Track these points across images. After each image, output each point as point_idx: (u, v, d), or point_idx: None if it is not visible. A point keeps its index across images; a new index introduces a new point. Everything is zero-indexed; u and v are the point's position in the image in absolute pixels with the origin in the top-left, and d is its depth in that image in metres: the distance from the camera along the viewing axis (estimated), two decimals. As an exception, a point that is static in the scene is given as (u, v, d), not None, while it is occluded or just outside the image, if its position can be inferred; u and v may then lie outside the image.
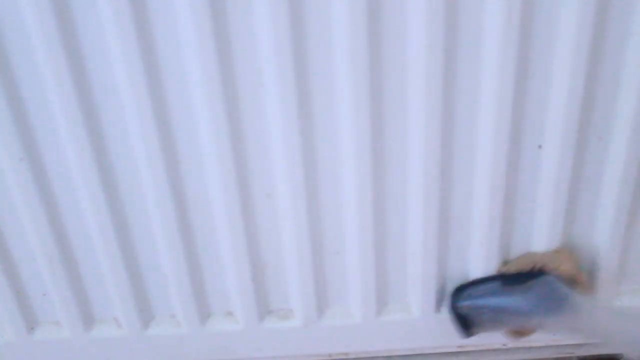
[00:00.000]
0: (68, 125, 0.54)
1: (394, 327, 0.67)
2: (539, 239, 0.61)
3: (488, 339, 0.68)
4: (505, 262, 0.63)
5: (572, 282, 0.60)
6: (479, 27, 0.51)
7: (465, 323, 0.62)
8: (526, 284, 0.60)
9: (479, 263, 0.62)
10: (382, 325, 0.66)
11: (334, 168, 0.57)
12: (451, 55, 0.52)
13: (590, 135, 0.57)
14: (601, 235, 0.62)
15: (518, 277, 0.61)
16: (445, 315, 0.66)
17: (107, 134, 0.55)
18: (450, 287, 0.64)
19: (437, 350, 0.70)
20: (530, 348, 0.71)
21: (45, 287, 0.64)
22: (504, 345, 0.70)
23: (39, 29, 0.49)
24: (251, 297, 0.64)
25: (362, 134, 0.54)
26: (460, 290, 0.63)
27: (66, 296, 0.64)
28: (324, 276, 0.64)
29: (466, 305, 0.62)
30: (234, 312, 0.66)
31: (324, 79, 0.52)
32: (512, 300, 0.60)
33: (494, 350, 0.71)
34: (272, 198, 0.59)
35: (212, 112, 0.53)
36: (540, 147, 0.57)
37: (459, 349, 0.70)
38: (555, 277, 0.60)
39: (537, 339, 0.68)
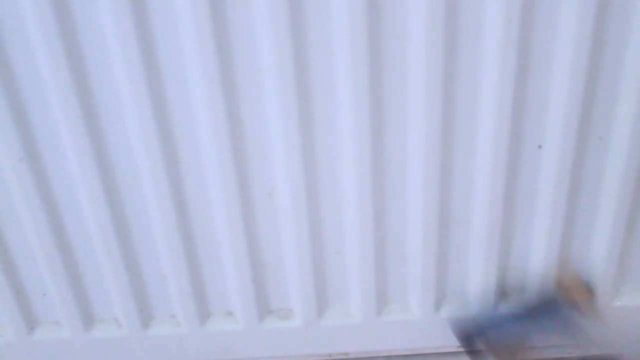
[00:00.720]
0: (68, 125, 0.54)
1: (394, 327, 0.67)
2: (538, 238, 0.61)
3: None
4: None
5: (581, 308, 0.61)
6: (479, 27, 0.51)
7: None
8: (541, 316, 0.61)
9: (479, 263, 0.62)
10: (382, 325, 0.66)
11: (334, 168, 0.57)
12: (451, 55, 0.52)
13: (590, 135, 0.57)
14: (601, 235, 0.62)
15: (533, 309, 0.62)
16: (445, 315, 0.66)
17: (107, 134, 0.55)
18: (452, 288, 0.64)
19: (437, 350, 0.70)
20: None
21: (45, 287, 0.64)
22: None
23: (39, 29, 0.49)
24: (251, 297, 0.64)
25: (362, 134, 0.54)
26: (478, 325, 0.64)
27: (66, 296, 0.64)
28: (324, 276, 0.64)
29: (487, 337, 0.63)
30: (234, 312, 0.66)
31: (324, 79, 0.52)
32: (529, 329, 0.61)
33: (494, 350, 0.71)
34: (272, 198, 0.59)
35: (212, 112, 0.53)
36: (540, 147, 0.57)
37: (459, 349, 0.70)
38: (565, 305, 0.61)
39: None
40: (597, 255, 0.63)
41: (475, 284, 0.64)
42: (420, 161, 0.56)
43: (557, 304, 0.61)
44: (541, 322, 0.61)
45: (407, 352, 0.70)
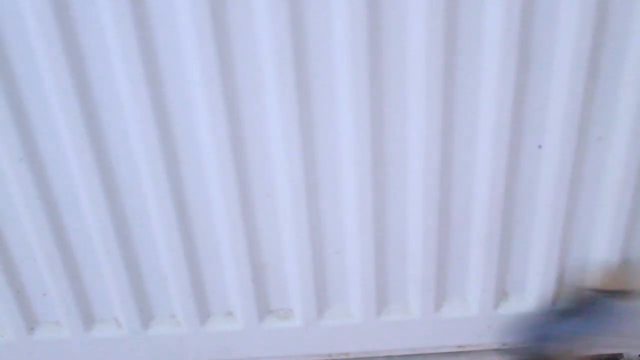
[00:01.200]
0: (68, 125, 0.54)
1: (394, 327, 0.67)
2: (538, 238, 0.61)
3: (488, 338, 0.68)
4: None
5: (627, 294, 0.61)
6: (479, 27, 0.51)
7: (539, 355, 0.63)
8: (585, 310, 0.61)
9: (479, 263, 0.62)
10: (382, 325, 0.66)
11: (334, 168, 0.57)
12: (451, 55, 0.52)
13: (590, 135, 0.57)
14: (601, 235, 0.62)
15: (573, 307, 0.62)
16: (445, 315, 0.66)
17: (107, 134, 0.55)
18: (452, 288, 0.64)
19: (437, 350, 0.70)
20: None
21: (45, 287, 0.64)
22: (504, 345, 0.70)
23: (39, 29, 0.49)
24: (251, 297, 0.64)
25: (362, 134, 0.54)
26: (529, 327, 0.63)
27: (66, 296, 0.64)
28: (324, 276, 0.64)
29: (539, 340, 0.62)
30: (234, 312, 0.66)
31: (324, 79, 0.52)
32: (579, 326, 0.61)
33: (494, 350, 0.71)
34: (272, 198, 0.59)
35: (212, 112, 0.53)
36: (540, 147, 0.57)
37: (459, 349, 0.70)
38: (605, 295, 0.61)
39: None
40: (597, 255, 0.63)
41: (475, 283, 0.64)
42: (420, 161, 0.56)
43: (601, 300, 0.61)
44: (594, 320, 0.60)
45: (407, 352, 0.70)
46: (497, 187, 0.58)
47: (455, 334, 0.67)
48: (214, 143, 0.55)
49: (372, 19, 0.50)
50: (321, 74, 0.52)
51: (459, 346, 0.70)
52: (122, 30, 0.49)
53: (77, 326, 0.66)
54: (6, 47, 0.51)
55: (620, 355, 0.72)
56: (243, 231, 0.60)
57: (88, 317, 0.66)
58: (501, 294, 0.65)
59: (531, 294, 0.65)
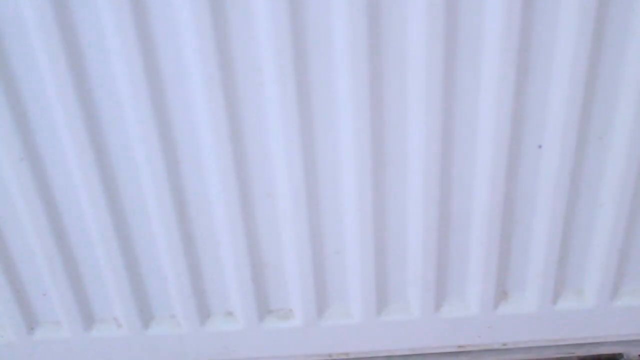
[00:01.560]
0: (68, 125, 0.54)
1: (394, 327, 0.67)
2: (538, 237, 0.61)
3: (488, 338, 0.68)
4: None
5: None
6: (479, 27, 0.51)
7: None
8: None
9: (479, 263, 0.62)
10: (382, 325, 0.66)
11: (334, 168, 0.57)
12: (451, 55, 0.52)
13: (590, 135, 0.57)
14: (601, 235, 0.62)
15: None
16: (445, 315, 0.66)
17: (107, 134, 0.55)
18: (452, 288, 0.64)
19: (437, 350, 0.70)
20: (530, 348, 0.71)
21: (45, 287, 0.64)
22: (504, 345, 0.70)
23: (39, 29, 0.49)
24: (251, 297, 0.64)
25: (362, 134, 0.54)
26: None
27: (66, 296, 0.64)
28: (324, 276, 0.64)
29: None
30: (234, 312, 0.66)
31: (324, 79, 0.52)
32: None
33: (494, 350, 0.71)
34: (272, 198, 0.59)
35: (212, 112, 0.53)
36: (540, 147, 0.57)
37: (459, 349, 0.70)
38: None
39: (537, 339, 0.68)
40: (597, 255, 0.63)
41: (475, 283, 0.64)
42: (420, 161, 0.56)
43: None
44: None
45: (407, 352, 0.70)
46: (497, 187, 0.58)
47: (455, 334, 0.67)
48: (214, 143, 0.55)
49: (372, 18, 0.50)
50: (321, 74, 0.52)
51: (459, 346, 0.70)
52: (122, 30, 0.49)
53: (77, 326, 0.66)
54: (6, 47, 0.51)
55: (620, 355, 0.72)
56: (243, 231, 0.60)
57: (88, 317, 0.66)
58: (501, 294, 0.65)
59: (531, 294, 0.65)
